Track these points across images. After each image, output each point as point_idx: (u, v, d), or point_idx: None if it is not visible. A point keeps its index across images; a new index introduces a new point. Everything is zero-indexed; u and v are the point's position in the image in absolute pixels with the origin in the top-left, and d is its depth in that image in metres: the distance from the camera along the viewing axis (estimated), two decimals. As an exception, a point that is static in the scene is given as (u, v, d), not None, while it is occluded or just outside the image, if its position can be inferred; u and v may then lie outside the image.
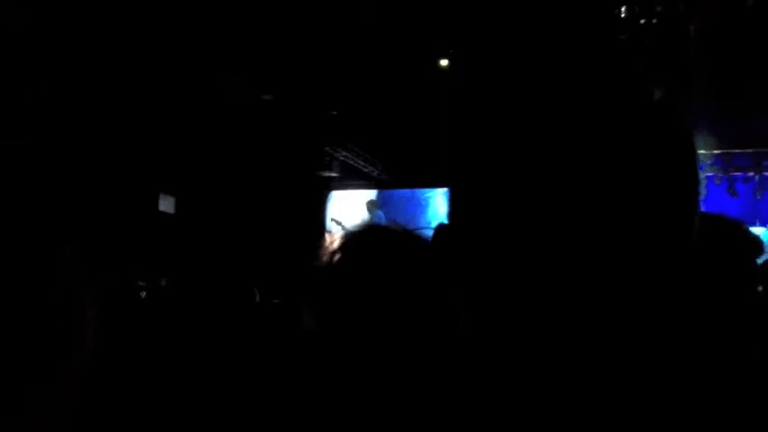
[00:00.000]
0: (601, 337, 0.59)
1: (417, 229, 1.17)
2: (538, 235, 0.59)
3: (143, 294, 4.50)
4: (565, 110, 0.60)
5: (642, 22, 6.86)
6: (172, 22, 7.23)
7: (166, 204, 9.66)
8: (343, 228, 1.26)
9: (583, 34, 0.65)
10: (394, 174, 11.42)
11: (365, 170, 11.34)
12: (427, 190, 11.03)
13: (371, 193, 11.63)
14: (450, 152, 0.66)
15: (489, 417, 0.62)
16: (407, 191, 11.28)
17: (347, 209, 11.22)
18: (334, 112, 9.74)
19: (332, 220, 11.18)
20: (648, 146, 0.60)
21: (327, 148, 10.56)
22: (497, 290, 0.61)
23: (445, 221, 0.69)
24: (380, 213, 10.94)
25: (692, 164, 0.63)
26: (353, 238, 1.17)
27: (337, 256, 1.14)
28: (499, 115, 0.62)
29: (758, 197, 10.00)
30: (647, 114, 0.61)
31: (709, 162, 9.13)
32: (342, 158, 10.89)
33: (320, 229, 10.79)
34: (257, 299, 3.52)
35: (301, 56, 8.30)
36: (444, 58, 8.60)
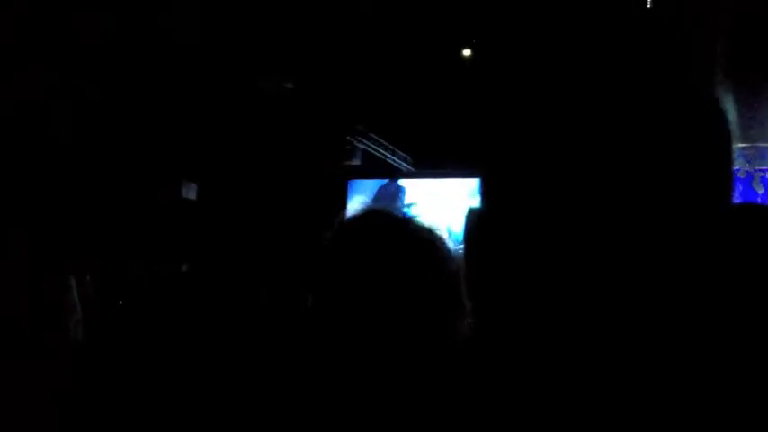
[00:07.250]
0: (627, 332, 0.58)
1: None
2: (569, 226, 0.57)
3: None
4: (598, 100, 0.59)
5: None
6: (196, 14, 7.25)
7: (189, 191, 9.72)
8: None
9: (614, 22, 0.64)
10: (416, 164, 11.36)
11: (387, 160, 11.32)
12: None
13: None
14: (481, 142, 0.64)
15: (488, 414, 0.61)
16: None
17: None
18: (357, 102, 9.73)
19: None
20: (687, 137, 0.58)
21: (349, 137, 10.55)
22: (527, 281, 0.60)
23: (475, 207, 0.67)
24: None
25: (728, 155, 0.61)
26: (353, 221, 1.17)
27: (335, 239, 1.14)
28: (530, 106, 0.61)
29: None
30: (687, 107, 0.60)
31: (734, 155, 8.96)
32: (363, 147, 10.87)
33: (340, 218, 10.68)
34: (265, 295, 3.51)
35: (323, 44, 8.29)
36: (467, 47, 8.55)
